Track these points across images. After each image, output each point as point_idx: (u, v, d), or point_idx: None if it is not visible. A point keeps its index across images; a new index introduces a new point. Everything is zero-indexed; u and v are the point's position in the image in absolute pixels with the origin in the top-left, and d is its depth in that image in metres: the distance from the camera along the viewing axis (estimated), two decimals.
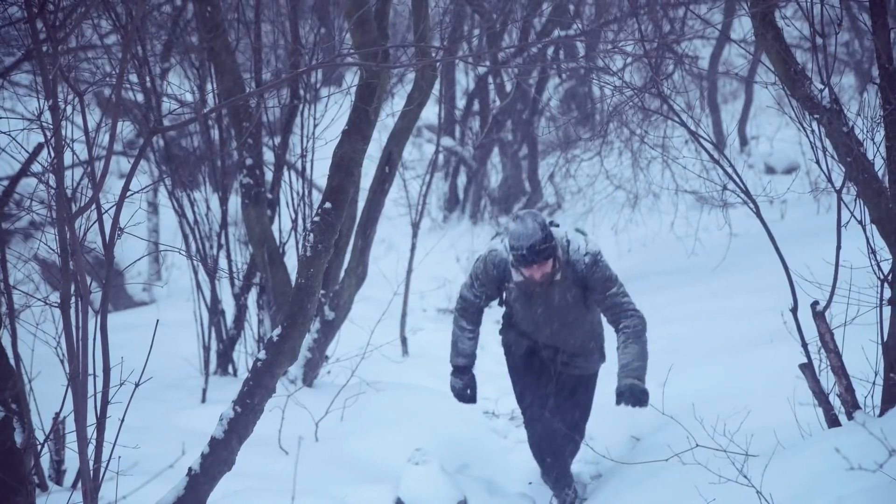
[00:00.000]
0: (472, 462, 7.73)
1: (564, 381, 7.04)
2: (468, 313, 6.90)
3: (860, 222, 5.71)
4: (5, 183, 9.08)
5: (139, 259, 5.60)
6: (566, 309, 6.71)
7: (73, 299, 4.64)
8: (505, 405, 9.20)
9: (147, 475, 5.02)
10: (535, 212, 6.43)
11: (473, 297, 6.83)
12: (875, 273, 5.69)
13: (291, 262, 8.83)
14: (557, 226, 6.72)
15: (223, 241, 9.36)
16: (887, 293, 5.69)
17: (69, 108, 4.96)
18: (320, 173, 7.40)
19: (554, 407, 7.01)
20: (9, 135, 5.13)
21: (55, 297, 4.85)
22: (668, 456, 6.09)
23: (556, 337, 6.85)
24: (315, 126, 9.03)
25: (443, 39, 10.61)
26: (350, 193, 5.71)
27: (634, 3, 7.75)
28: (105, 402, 4.63)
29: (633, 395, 6.43)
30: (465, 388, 6.95)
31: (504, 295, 6.85)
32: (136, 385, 4.80)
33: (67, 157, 4.82)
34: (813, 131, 5.79)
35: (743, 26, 17.41)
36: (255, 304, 9.40)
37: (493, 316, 8.68)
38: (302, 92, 9.08)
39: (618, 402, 6.49)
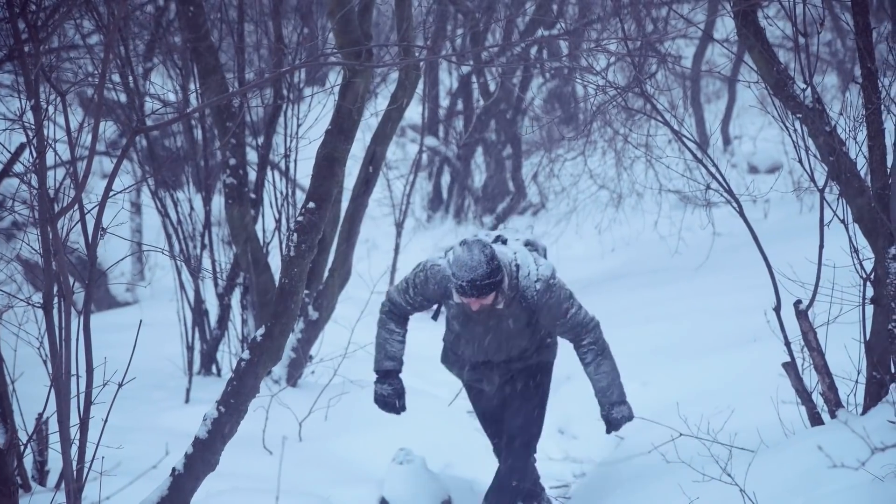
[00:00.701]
0: (457, 461, 7.73)
1: (516, 376, 6.56)
2: (395, 316, 6.40)
3: (843, 221, 5.73)
4: None
5: (122, 259, 5.58)
6: (512, 333, 6.25)
7: (55, 300, 4.63)
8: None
9: (131, 475, 5.01)
10: (485, 241, 5.98)
11: (405, 303, 6.32)
12: (857, 272, 5.70)
13: (275, 262, 8.82)
14: (505, 242, 6.28)
15: (206, 241, 9.35)
16: (870, 292, 5.71)
17: (51, 108, 4.94)
18: (304, 173, 7.40)
19: (509, 401, 6.56)
20: None
21: (38, 298, 4.84)
22: (650, 450, 6.11)
23: (495, 355, 6.37)
24: (298, 126, 9.03)
25: (426, 39, 10.61)
26: (334, 193, 5.71)
27: (617, 3, 7.77)
28: (88, 402, 4.62)
29: (627, 420, 6.24)
30: (393, 396, 6.38)
31: (442, 309, 6.45)
32: (120, 385, 4.79)
33: (50, 158, 4.81)
34: (795, 131, 5.81)
35: (726, 26, 17.43)
36: (238, 304, 9.38)
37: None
38: (285, 91, 9.07)
39: (610, 432, 6.31)
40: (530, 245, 6.38)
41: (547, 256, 6.49)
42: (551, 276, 6.13)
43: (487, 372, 6.46)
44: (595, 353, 6.23)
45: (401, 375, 6.48)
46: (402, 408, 6.43)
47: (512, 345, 6.30)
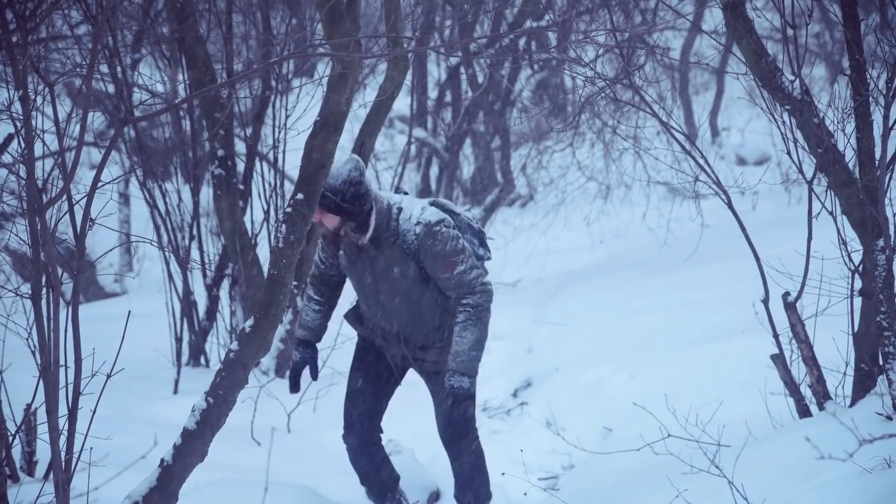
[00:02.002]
0: (445, 453, 7.74)
1: (427, 378, 6.20)
2: (316, 280, 6.19)
3: (831, 213, 5.74)
4: None
5: (111, 250, 5.57)
6: (400, 286, 5.88)
7: (44, 290, 4.62)
8: (477, 396, 9.19)
9: (119, 466, 5.00)
10: (357, 160, 5.79)
11: (319, 261, 6.14)
12: (846, 264, 5.72)
13: (264, 253, 8.82)
14: (406, 193, 6.03)
15: (195, 232, 9.35)
16: (858, 284, 5.72)
17: (39, 99, 4.93)
18: (292, 164, 7.39)
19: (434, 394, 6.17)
20: None
21: (26, 288, 4.83)
22: (641, 446, 6.12)
23: (396, 320, 5.99)
24: (287, 117, 9.02)
25: (415, 30, 10.59)
26: (322, 184, 5.70)
27: None
28: (77, 393, 4.61)
29: (464, 396, 5.86)
30: (301, 363, 6.15)
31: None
32: (108, 376, 4.78)
33: (38, 148, 4.79)
34: (784, 122, 5.82)
35: (714, 17, 17.46)
36: (227, 296, 9.38)
37: None
38: (274, 83, 9.07)
39: (445, 396, 5.95)
40: (436, 204, 6.05)
41: (483, 242, 6.18)
42: (437, 222, 5.80)
43: (392, 342, 6.09)
44: (468, 315, 5.82)
45: (317, 346, 6.25)
46: (313, 375, 6.21)
47: (413, 307, 5.94)
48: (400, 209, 5.85)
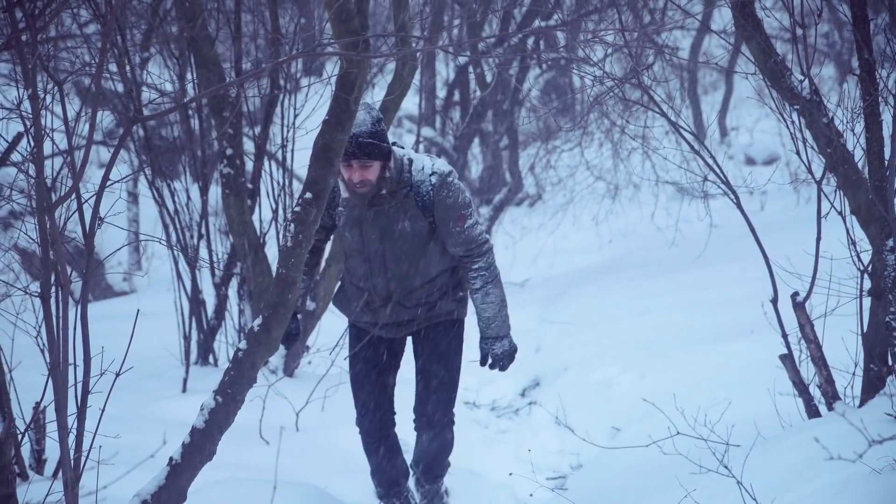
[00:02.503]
0: (453, 452, 7.74)
1: (424, 334, 6.02)
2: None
3: (840, 213, 5.73)
4: None
5: (119, 249, 5.57)
6: (409, 243, 5.72)
7: (53, 289, 4.62)
8: (485, 396, 9.21)
9: (128, 465, 5.01)
10: (372, 105, 5.57)
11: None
12: (855, 264, 5.71)
13: (272, 252, 8.83)
14: (402, 147, 5.82)
15: (204, 230, 9.35)
16: (867, 284, 5.71)
17: (49, 98, 4.94)
18: (301, 163, 7.39)
19: (420, 361, 6.05)
20: None
21: (35, 287, 4.83)
22: (648, 443, 6.12)
23: (396, 281, 5.81)
24: (295, 116, 9.02)
25: (423, 29, 10.60)
26: (331, 184, 5.69)
27: None
28: (86, 391, 4.61)
29: (509, 357, 5.85)
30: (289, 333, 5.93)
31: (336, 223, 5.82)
32: (117, 375, 4.78)
33: (47, 147, 4.81)
34: (793, 122, 5.81)
35: (723, 17, 17.44)
36: (235, 294, 9.39)
37: None
38: (282, 82, 9.07)
39: (491, 365, 5.89)
40: (429, 156, 5.85)
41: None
42: (450, 173, 5.69)
43: (385, 310, 5.89)
44: (485, 279, 5.76)
45: (298, 316, 6.04)
46: (290, 347, 6.06)
47: (414, 264, 5.79)
48: (411, 160, 5.67)
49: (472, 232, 5.71)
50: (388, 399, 6.13)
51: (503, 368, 5.88)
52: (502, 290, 5.83)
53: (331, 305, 8.85)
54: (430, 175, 5.64)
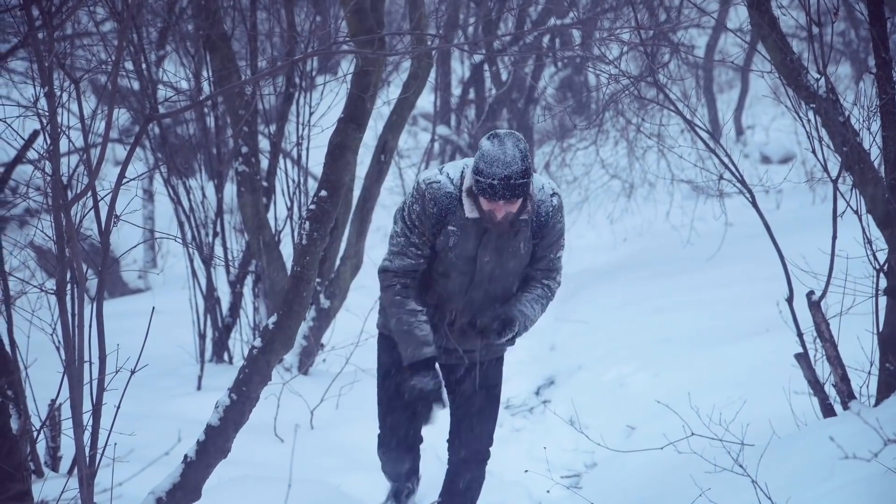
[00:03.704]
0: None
1: (464, 373, 5.65)
2: (410, 288, 5.35)
3: (856, 212, 5.72)
4: (1, 170, 9.07)
5: (135, 246, 5.58)
6: (512, 263, 5.32)
7: (69, 286, 4.63)
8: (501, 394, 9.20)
9: (143, 462, 5.02)
10: (518, 134, 5.06)
11: (414, 258, 5.30)
12: (871, 263, 5.70)
13: (287, 250, 8.84)
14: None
15: (219, 228, 9.36)
16: (883, 283, 5.70)
17: (65, 95, 4.94)
18: (316, 161, 7.40)
19: (465, 392, 5.65)
20: (4, 121, 5.12)
21: (51, 285, 4.84)
22: (664, 444, 6.10)
23: (484, 304, 5.40)
24: (311, 114, 9.03)
25: (438, 27, 10.60)
26: (346, 182, 5.71)
27: None
28: (101, 389, 4.62)
29: (507, 329, 5.27)
30: (438, 388, 5.31)
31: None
32: (132, 372, 4.79)
33: (63, 145, 4.81)
34: (809, 121, 5.80)
35: (739, 15, 17.40)
36: (250, 292, 9.40)
37: None
38: (298, 80, 9.08)
39: (495, 328, 5.30)
40: None
41: None
42: (560, 191, 5.35)
43: (455, 336, 5.48)
44: (544, 293, 5.41)
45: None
46: (445, 402, 5.37)
47: (510, 286, 5.41)
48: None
49: (560, 261, 5.44)
50: (418, 428, 5.79)
51: (499, 336, 5.30)
52: (542, 314, 5.45)
53: (345, 304, 8.87)
54: (551, 196, 5.28)
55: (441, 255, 5.29)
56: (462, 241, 5.23)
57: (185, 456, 5.24)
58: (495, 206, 5.04)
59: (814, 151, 5.76)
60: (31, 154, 6.99)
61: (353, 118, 5.82)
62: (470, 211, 5.16)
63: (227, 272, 9.43)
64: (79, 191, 4.64)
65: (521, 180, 4.96)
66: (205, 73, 9.22)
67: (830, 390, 5.88)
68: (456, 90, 15.90)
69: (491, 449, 5.84)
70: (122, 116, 11.23)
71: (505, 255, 5.27)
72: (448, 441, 5.85)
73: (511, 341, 5.41)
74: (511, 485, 7.27)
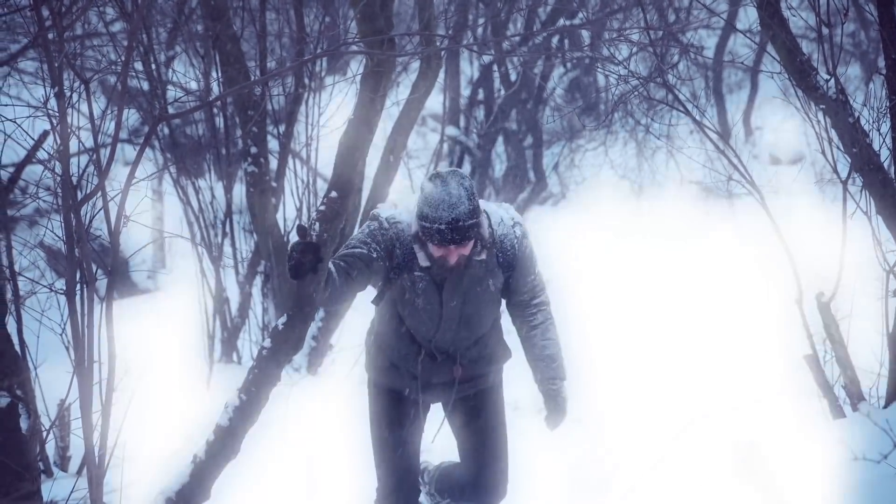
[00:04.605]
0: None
1: (463, 410, 5.35)
2: (353, 258, 4.83)
3: (866, 213, 5.71)
4: (11, 170, 9.08)
5: (144, 246, 5.60)
6: (483, 301, 5.04)
7: (78, 286, 4.64)
8: (508, 394, 9.18)
9: (152, 462, 5.03)
10: (462, 172, 4.75)
11: (368, 251, 4.86)
12: (881, 264, 5.69)
13: None
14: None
15: (228, 229, 9.37)
16: (893, 284, 5.69)
17: (75, 96, 4.95)
18: (325, 162, 7.40)
19: (466, 451, 5.40)
20: (14, 122, 5.13)
21: (61, 285, 4.85)
22: (671, 443, 6.11)
23: (459, 341, 5.12)
24: (320, 115, 9.03)
25: (448, 28, 10.60)
26: (355, 182, 5.71)
27: None
28: (110, 388, 4.63)
29: (564, 402, 5.16)
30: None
31: (395, 287, 5.00)
32: (142, 372, 4.80)
33: (73, 145, 4.82)
34: (818, 122, 5.79)
35: (748, 16, 17.37)
36: (259, 293, 9.40)
37: None
38: (307, 80, 9.08)
39: (553, 417, 5.23)
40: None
41: None
42: (521, 219, 5.09)
43: (434, 372, 5.16)
44: (546, 314, 5.16)
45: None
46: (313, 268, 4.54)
47: (480, 325, 5.11)
48: (487, 214, 4.98)
49: (540, 277, 5.17)
50: (417, 466, 5.43)
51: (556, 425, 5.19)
52: (557, 334, 5.20)
53: (354, 305, 8.87)
54: (514, 227, 5.02)
55: (407, 299, 5.00)
56: (429, 287, 4.96)
57: (195, 456, 5.25)
58: (446, 251, 4.77)
59: (823, 152, 5.76)
60: (42, 154, 7.00)
61: (363, 119, 5.82)
62: (423, 260, 4.87)
63: (236, 272, 9.43)
64: (88, 191, 4.65)
65: (470, 220, 4.69)
66: (214, 74, 9.23)
67: (840, 392, 5.87)
68: (465, 91, 15.91)
69: (507, 486, 5.50)
70: (131, 117, 11.25)
71: (472, 295, 5.00)
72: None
73: (499, 367, 5.28)
74: (517, 487, 7.26)
